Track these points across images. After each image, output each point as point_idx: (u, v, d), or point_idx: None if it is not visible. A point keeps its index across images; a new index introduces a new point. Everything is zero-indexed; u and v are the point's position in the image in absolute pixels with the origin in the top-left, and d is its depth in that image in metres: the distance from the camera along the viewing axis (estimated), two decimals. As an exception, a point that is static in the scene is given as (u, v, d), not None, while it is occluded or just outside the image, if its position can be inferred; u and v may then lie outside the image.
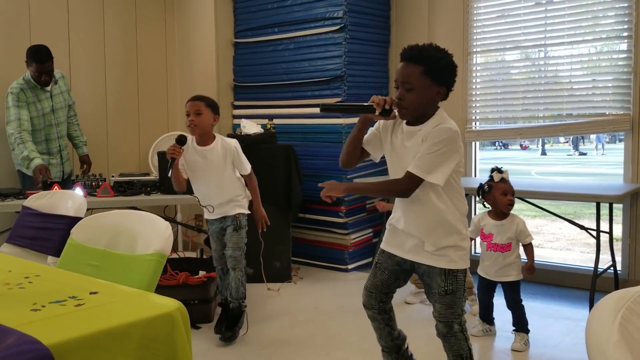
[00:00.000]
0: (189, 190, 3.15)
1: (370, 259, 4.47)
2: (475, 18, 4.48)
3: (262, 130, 4.38)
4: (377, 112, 1.95)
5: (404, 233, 2.09)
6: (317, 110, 4.63)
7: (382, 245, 2.18)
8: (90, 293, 1.44)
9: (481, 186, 3.11)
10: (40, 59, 3.73)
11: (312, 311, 3.59)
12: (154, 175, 4.16)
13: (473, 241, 3.53)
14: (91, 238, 1.88)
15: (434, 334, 2.20)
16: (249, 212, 3.22)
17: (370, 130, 2.14)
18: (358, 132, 2.08)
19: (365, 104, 1.98)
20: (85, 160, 4.29)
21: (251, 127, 4.40)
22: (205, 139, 3.09)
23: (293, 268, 4.36)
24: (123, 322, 1.25)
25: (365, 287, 2.20)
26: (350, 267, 4.48)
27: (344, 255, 4.48)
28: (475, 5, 4.47)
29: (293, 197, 4.24)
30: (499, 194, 3.04)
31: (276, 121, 4.52)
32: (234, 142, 3.15)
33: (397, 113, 1.98)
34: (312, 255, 4.62)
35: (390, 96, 1.97)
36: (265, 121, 4.48)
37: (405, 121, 2.02)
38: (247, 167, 3.19)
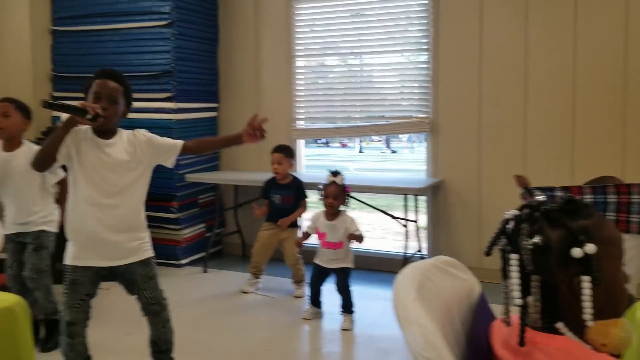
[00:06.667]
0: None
1: (203, 253, 4.53)
2: (297, 24, 4.77)
3: (86, 125, 4.19)
4: (88, 117, 2.02)
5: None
6: (147, 104, 4.58)
7: None
8: None
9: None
10: None
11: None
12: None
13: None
14: None
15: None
16: (56, 230, 2.98)
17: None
18: (63, 133, 2.09)
19: (79, 107, 2.02)
20: None
21: (74, 121, 4.19)
22: (12, 144, 2.89)
23: (122, 266, 4.25)
24: (-41, 321, 1.22)
25: None
26: (183, 262, 4.52)
27: (176, 251, 4.49)
28: (297, 12, 4.75)
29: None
30: (324, 196, 3.36)
31: (102, 115, 4.35)
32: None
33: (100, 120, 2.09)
34: (143, 252, 4.54)
35: (96, 104, 2.09)
36: (90, 115, 4.29)
37: (95, 136, 2.21)
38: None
